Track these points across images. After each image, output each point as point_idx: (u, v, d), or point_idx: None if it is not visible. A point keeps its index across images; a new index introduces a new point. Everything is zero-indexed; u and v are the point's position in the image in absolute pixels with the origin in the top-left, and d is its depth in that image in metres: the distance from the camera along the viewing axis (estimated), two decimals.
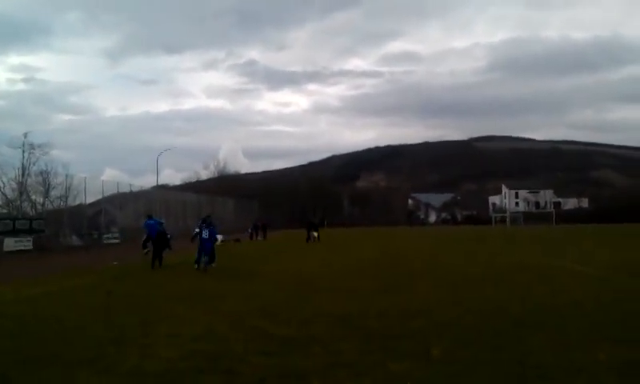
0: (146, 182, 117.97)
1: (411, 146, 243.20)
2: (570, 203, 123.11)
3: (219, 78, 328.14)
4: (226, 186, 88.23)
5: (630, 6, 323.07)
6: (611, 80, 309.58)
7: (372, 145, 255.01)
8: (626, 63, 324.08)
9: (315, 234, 39.26)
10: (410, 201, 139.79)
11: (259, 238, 46.27)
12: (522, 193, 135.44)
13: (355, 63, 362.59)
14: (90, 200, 45.26)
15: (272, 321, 8.99)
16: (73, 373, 6.10)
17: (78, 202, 44.07)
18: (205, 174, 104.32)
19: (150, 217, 24.03)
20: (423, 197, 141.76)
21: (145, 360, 6.59)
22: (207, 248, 19.27)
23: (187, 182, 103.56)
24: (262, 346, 7.19)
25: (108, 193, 48.18)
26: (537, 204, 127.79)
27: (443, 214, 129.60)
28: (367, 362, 6.34)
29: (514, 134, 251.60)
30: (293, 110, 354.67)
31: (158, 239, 20.80)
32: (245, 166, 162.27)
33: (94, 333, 8.31)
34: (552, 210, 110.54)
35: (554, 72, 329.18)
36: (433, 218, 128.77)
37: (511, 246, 32.52)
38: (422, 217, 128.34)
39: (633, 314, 9.06)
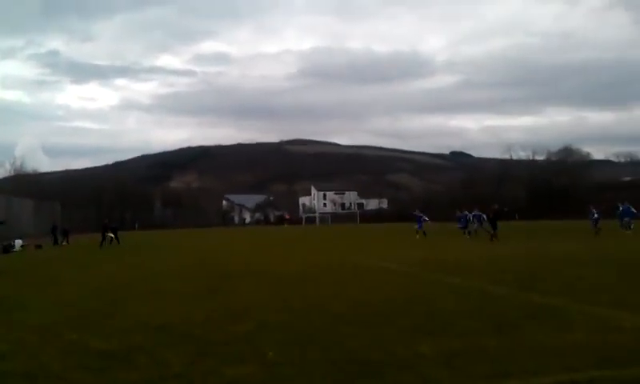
0: None
1: (224, 146, 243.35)
2: (372, 204, 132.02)
3: (17, 67, 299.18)
4: (24, 186, 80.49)
5: (425, 25, 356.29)
6: (406, 91, 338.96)
7: (184, 145, 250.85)
8: (419, 76, 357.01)
9: (111, 236, 37.80)
10: (224, 202, 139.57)
11: (64, 243, 42.59)
12: (330, 194, 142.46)
13: (167, 60, 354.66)
14: None
15: (88, 332, 8.32)
16: None
17: None
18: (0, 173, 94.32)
19: None
20: (237, 198, 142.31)
21: None
22: None
23: None
24: (80, 361, 6.62)
25: None
26: (342, 205, 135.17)
27: (257, 215, 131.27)
28: (200, 370, 6.11)
29: (321, 138, 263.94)
30: (99, 106, 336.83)
31: None
32: (45, 165, 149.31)
33: None
34: (356, 210, 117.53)
35: (357, 81, 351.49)
36: (247, 218, 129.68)
37: (323, 244, 33.81)
38: (237, 218, 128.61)
39: (445, 308, 9.72)
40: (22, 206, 65.35)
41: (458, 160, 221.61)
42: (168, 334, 8.03)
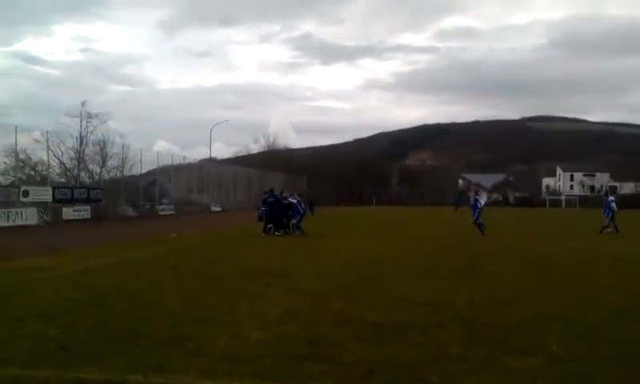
0: (196, 154, 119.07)
1: (460, 124, 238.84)
2: (627, 187, 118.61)
3: (273, 51, 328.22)
4: (275, 161, 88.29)
5: None
6: None
7: (420, 122, 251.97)
8: None
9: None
10: (460, 181, 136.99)
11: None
12: (578, 175, 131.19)
13: (411, 38, 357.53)
14: (143, 171, 45.93)
15: (354, 303, 8.42)
16: (164, 354, 5.67)
17: (132, 173, 44.73)
18: (255, 148, 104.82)
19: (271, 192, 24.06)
20: (473, 177, 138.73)
21: (235, 342, 6.13)
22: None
23: (238, 155, 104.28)
24: (355, 331, 6.64)
25: (161, 164, 48.70)
26: (592, 188, 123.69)
27: (494, 195, 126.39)
28: (479, 356, 5.71)
29: (568, 115, 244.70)
30: (343, 86, 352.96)
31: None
32: (294, 141, 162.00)
33: (171, 309, 7.92)
34: None
35: (616, 52, 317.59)
36: (484, 199, 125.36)
37: (579, 227, 31.12)
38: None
39: None
40: (273, 179, 71.73)
41: None
42: (435, 314, 7.76)
